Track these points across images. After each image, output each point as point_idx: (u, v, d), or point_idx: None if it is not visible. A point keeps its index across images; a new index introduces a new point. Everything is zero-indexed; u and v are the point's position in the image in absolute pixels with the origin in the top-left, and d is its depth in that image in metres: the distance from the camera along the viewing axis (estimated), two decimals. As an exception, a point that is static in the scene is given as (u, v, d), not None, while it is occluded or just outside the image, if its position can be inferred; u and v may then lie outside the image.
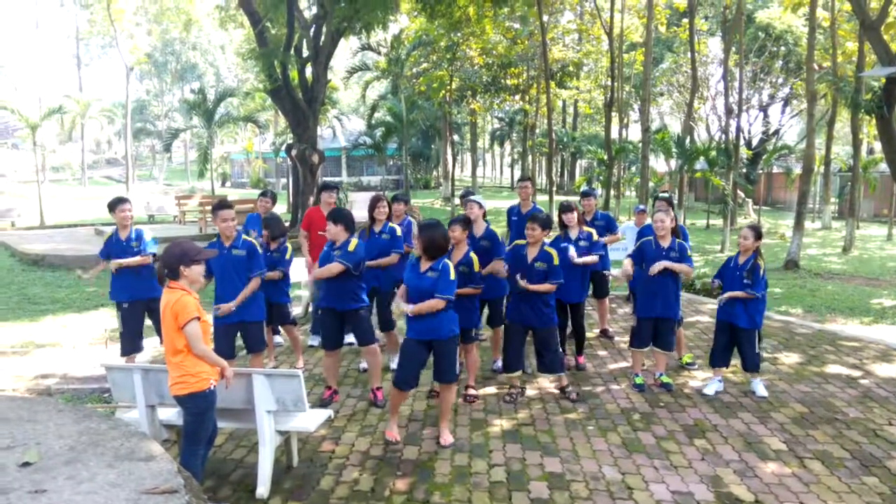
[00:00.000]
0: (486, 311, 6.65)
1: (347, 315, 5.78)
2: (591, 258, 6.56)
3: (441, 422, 5.24)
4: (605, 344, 7.90)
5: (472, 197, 6.71)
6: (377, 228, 6.61)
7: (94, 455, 2.56)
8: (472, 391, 6.04)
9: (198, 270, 4.01)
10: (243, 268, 5.82)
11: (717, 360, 6.32)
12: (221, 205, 5.93)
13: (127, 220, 6.50)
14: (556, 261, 5.79)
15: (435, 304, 4.89)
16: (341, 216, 5.74)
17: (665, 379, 6.37)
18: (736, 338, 6.18)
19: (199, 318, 3.92)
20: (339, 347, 5.97)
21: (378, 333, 7.40)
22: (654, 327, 6.32)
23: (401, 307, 5.15)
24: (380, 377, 6.04)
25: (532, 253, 5.83)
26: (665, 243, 6.28)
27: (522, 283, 5.71)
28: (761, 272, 6.03)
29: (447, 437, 5.15)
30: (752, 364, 6.18)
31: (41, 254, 15.29)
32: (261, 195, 7.83)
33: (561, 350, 6.16)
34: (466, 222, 5.79)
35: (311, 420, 4.66)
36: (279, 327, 7.33)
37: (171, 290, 3.97)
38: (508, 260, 6.01)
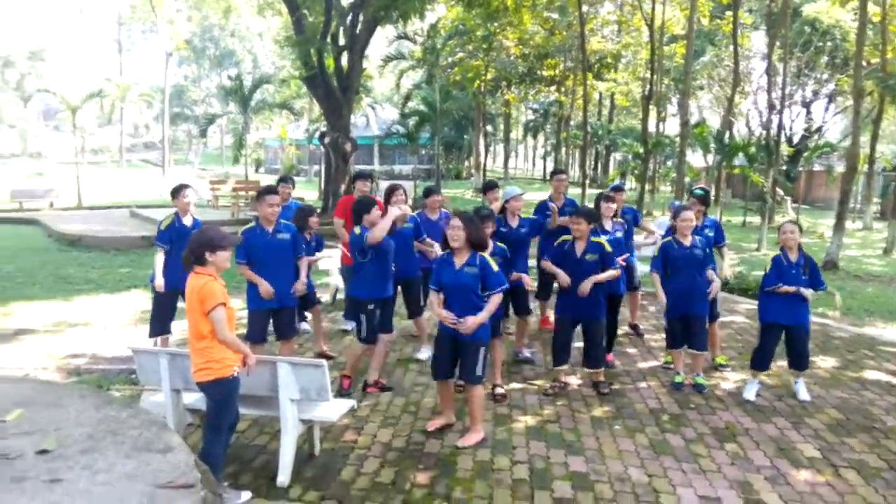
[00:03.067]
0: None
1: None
2: (613, 273, 6.07)
3: (471, 423, 5.07)
4: (634, 341, 7.75)
5: (511, 189, 6.73)
6: None
7: (113, 444, 2.54)
8: (499, 389, 5.92)
9: (223, 256, 4.01)
10: (290, 252, 5.89)
11: (766, 363, 6.07)
12: (268, 189, 6.00)
13: (189, 207, 6.51)
14: (609, 248, 5.80)
15: (497, 301, 4.87)
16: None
17: (699, 380, 6.20)
18: (793, 337, 5.95)
19: (224, 305, 3.91)
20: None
21: (404, 322, 7.41)
22: (685, 326, 6.18)
23: (442, 315, 4.92)
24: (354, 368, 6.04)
25: (580, 247, 5.80)
26: (687, 242, 6.15)
27: (586, 284, 5.69)
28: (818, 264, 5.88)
29: (468, 439, 4.97)
30: (806, 363, 6.02)
31: (77, 234, 15.57)
32: (280, 181, 7.74)
33: (605, 344, 6.17)
34: (490, 216, 5.82)
35: (334, 410, 4.63)
36: (306, 313, 7.37)
37: (198, 276, 3.96)
38: (556, 257, 5.95)
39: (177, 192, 6.54)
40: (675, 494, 4.30)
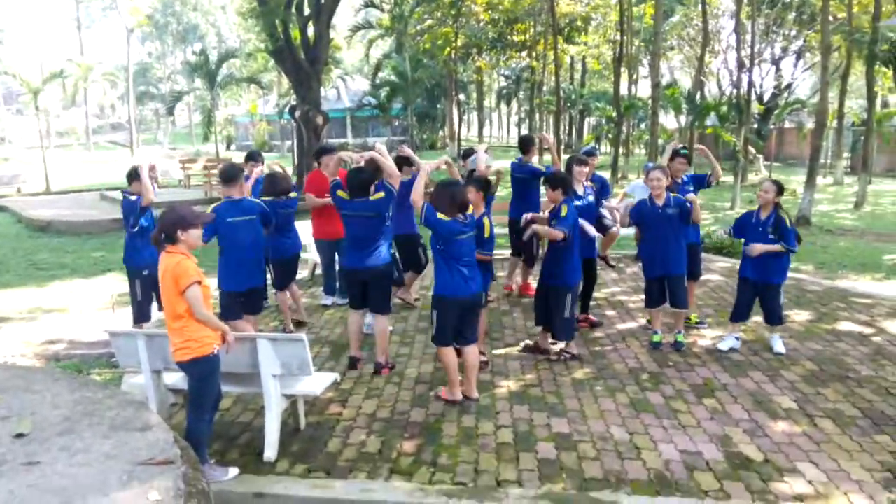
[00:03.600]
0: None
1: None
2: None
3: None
4: (613, 304, 7.83)
5: (481, 155, 6.75)
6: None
7: (90, 425, 2.51)
8: (482, 357, 5.93)
9: (195, 234, 3.94)
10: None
11: (740, 315, 6.20)
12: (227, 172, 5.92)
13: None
14: (565, 212, 5.73)
15: None
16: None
17: (680, 338, 6.29)
18: (761, 293, 6.07)
19: (199, 283, 3.86)
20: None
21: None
22: (664, 285, 6.25)
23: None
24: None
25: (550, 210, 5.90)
26: (660, 201, 6.17)
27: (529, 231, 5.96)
28: (788, 225, 5.89)
29: (443, 393, 5.24)
30: (776, 318, 6.10)
31: (47, 219, 15.30)
32: (247, 158, 7.60)
33: (571, 317, 5.94)
34: (483, 184, 5.69)
35: (317, 383, 4.63)
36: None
37: (170, 255, 3.90)
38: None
39: (137, 175, 6.23)
40: (657, 450, 4.38)
